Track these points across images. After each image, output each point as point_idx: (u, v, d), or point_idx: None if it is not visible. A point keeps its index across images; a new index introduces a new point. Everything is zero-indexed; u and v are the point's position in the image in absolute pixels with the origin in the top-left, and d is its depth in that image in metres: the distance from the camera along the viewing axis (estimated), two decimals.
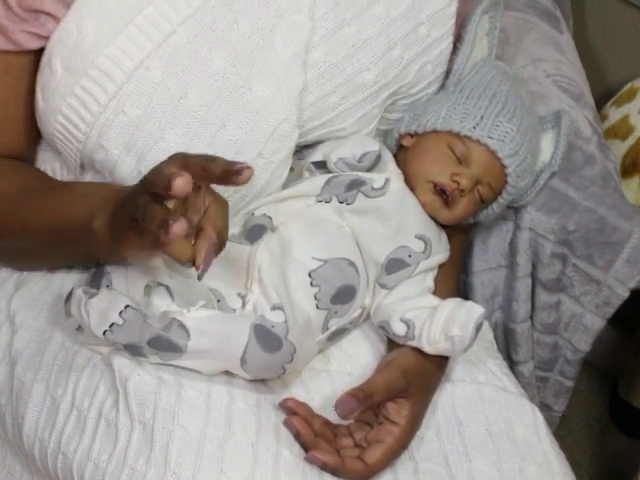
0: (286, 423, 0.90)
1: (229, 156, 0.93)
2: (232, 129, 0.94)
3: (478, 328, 0.93)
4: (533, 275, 1.19)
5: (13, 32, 0.92)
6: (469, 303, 0.95)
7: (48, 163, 1.05)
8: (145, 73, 0.90)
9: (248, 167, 0.72)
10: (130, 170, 0.95)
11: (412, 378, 0.94)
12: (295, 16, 0.95)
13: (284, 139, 0.97)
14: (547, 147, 1.14)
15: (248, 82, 0.93)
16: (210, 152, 0.93)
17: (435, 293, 1.02)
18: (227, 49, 0.93)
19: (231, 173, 0.72)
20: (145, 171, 0.93)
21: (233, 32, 0.93)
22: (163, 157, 0.93)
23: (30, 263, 1.03)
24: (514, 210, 1.18)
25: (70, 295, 0.88)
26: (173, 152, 0.93)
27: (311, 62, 0.97)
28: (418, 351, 0.97)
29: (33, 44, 0.93)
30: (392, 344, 1.00)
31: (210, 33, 0.93)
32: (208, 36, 0.93)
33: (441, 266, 1.05)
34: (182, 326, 0.86)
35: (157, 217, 0.72)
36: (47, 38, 0.93)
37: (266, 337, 0.87)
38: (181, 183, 0.69)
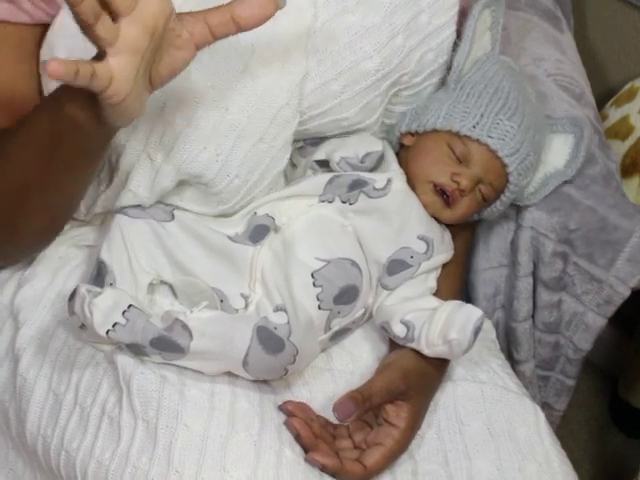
0: (286, 424, 0.90)
1: (231, 140, 0.94)
2: (234, 113, 0.94)
3: (477, 331, 0.93)
4: (534, 274, 1.19)
5: (24, 3, 0.91)
6: (468, 306, 0.95)
7: None
8: None
9: None
10: (137, 153, 0.95)
11: (412, 380, 0.94)
12: (297, 1, 0.94)
13: (285, 124, 0.97)
14: (561, 152, 1.14)
15: (250, 66, 0.93)
16: (213, 136, 0.94)
17: (438, 292, 1.03)
18: None
19: None
20: (152, 153, 0.94)
21: None
22: (169, 140, 0.93)
23: (36, 218, 0.97)
24: (516, 209, 1.18)
25: (74, 293, 0.88)
26: (178, 135, 0.93)
27: (312, 48, 0.96)
28: (418, 353, 0.96)
29: (43, 17, 0.92)
30: (394, 344, 1.00)
31: None
32: None
33: (445, 265, 1.05)
34: (185, 327, 0.86)
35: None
36: (53, 16, 0.92)
37: (269, 339, 0.87)
38: None
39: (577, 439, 1.72)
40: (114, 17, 0.71)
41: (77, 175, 0.91)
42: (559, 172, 1.14)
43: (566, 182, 1.16)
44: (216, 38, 0.80)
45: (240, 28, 0.80)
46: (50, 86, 0.93)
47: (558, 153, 1.14)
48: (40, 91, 0.97)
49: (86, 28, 0.70)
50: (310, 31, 0.95)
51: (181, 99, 0.92)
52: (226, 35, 0.81)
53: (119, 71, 0.73)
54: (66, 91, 0.80)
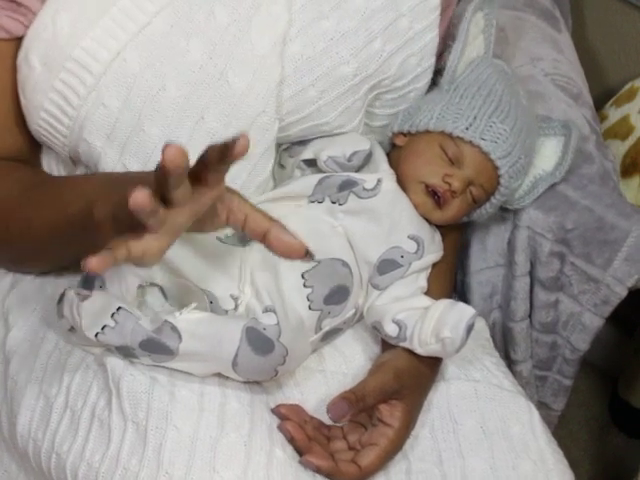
0: (280, 428, 0.90)
1: None
2: (210, 121, 0.94)
3: (469, 330, 0.93)
4: (531, 274, 1.19)
5: (1, 19, 0.91)
6: (460, 304, 0.95)
7: (44, 159, 1.05)
8: (122, 64, 0.90)
9: (241, 136, 0.68)
10: (114, 162, 0.95)
11: (405, 380, 0.94)
12: (272, 7, 0.95)
13: (263, 132, 0.97)
14: (550, 155, 1.14)
15: (225, 74, 0.93)
16: (190, 145, 0.93)
17: (428, 292, 1.02)
18: (204, 40, 0.93)
19: (227, 148, 0.68)
20: (128, 163, 0.94)
21: (209, 23, 0.93)
22: (145, 149, 0.93)
23: (38, 265, 1.02)
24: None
25: (62, 297, 0.88)
26: (154, 144, 0.93)
27: (289, 55, 0.96)
28: (411, 352, 0.96)
29: (21, 31, 0.93)
30: (386, 344, 1.00)
31: (186, 24, 0.93)
32: (184, 27, 0.92)
33: (435, 265, 1.05)
34: (174, 328, 0.86)
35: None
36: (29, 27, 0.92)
37: (258, 340, 0.87)
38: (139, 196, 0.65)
39: (577, 439, 1.72)
40: (167, 204, 0.70)
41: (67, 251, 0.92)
42: (548, 174, 1.14)
43: (563, 182, 1.16)
44: (245, 231, 0.80)
45: (265, 244, 0.79)
46: (23, 103, 0.95)
47: (548, 156, 1.14)
48: (16, 110, 0.97)
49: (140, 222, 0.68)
50: (286, 38, 0.95)
51: (157, 108, 0.93)
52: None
53: (154, 248, 0.72)
54: (96, 195, 0.79)
